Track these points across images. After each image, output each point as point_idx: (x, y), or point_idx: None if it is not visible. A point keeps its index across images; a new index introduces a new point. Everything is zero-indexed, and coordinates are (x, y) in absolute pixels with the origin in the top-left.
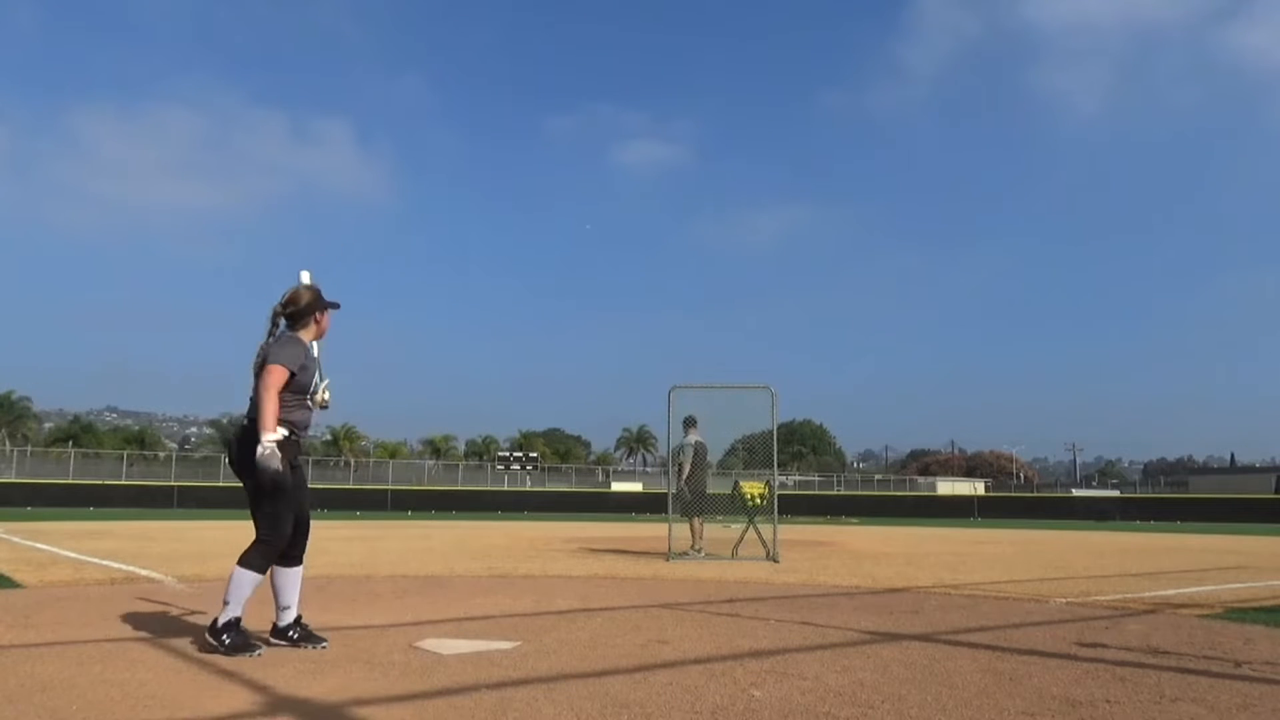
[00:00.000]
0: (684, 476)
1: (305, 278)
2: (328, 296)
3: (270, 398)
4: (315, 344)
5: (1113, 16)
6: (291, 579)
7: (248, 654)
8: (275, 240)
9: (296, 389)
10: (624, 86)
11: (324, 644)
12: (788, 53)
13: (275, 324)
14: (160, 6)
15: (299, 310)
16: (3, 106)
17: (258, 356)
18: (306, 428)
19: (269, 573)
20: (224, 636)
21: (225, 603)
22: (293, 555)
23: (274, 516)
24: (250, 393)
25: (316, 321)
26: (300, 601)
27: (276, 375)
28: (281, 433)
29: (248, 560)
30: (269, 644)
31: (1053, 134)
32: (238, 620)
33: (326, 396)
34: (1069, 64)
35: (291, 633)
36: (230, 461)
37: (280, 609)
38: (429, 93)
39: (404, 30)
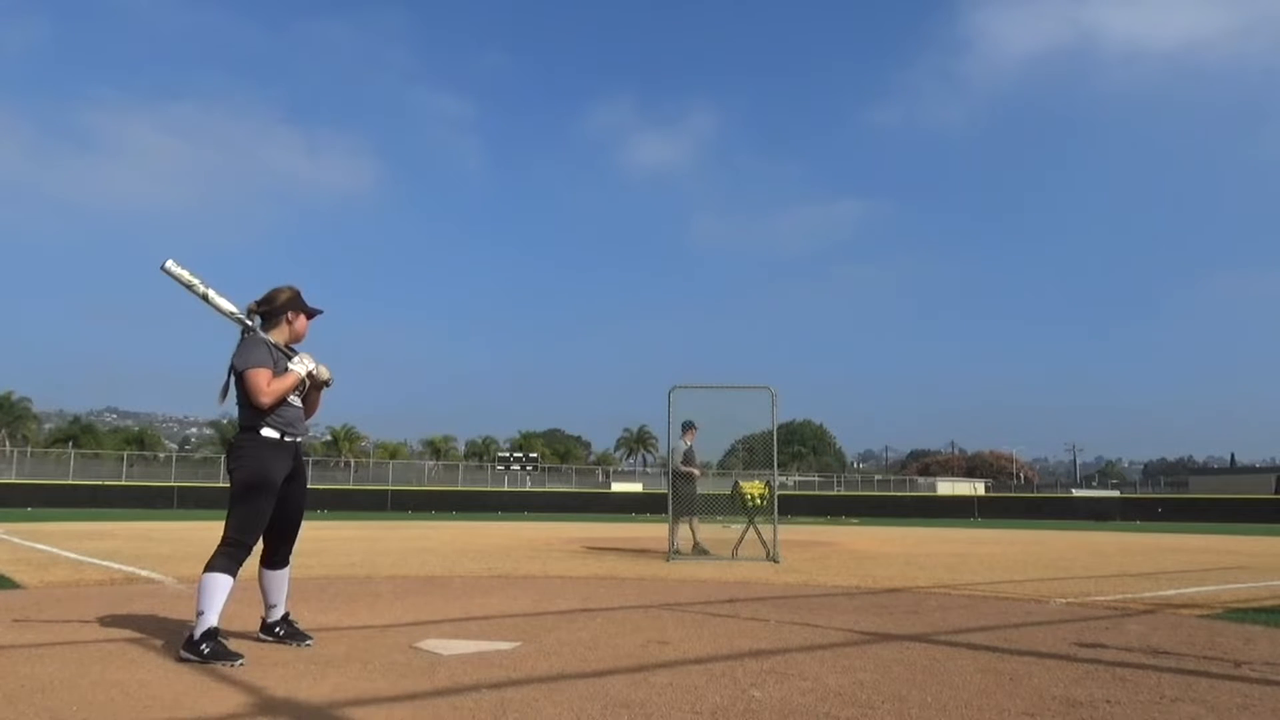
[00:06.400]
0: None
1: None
2: (327, 297)
3: (270, 393)
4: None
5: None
6: (278, 580)
7: (227, 662)
8: (277, 239)
9: None
10: (626, 87)
11: (309, 641)
12: (786, 53)
13: (246, 325)
14: (170, 10)
15: (271, 310)
16: (5, 108)
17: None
18: (298, 425)
19: (258, 575)
20: (202, 646)
21: (200, 613)
22: (277, 560)
23: (244, 517)
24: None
25: (289, 323)
26: (289, 599)
27: (257, 378)
28: (306, 366)
29: (214, 564)
30: (259, 640)
31: (1053, 138)
32: (215, 630)
33: (326, 374)
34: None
35: (278, 629)
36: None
37: (268, 607)
38: (434, 92)
39: (404, 28)
